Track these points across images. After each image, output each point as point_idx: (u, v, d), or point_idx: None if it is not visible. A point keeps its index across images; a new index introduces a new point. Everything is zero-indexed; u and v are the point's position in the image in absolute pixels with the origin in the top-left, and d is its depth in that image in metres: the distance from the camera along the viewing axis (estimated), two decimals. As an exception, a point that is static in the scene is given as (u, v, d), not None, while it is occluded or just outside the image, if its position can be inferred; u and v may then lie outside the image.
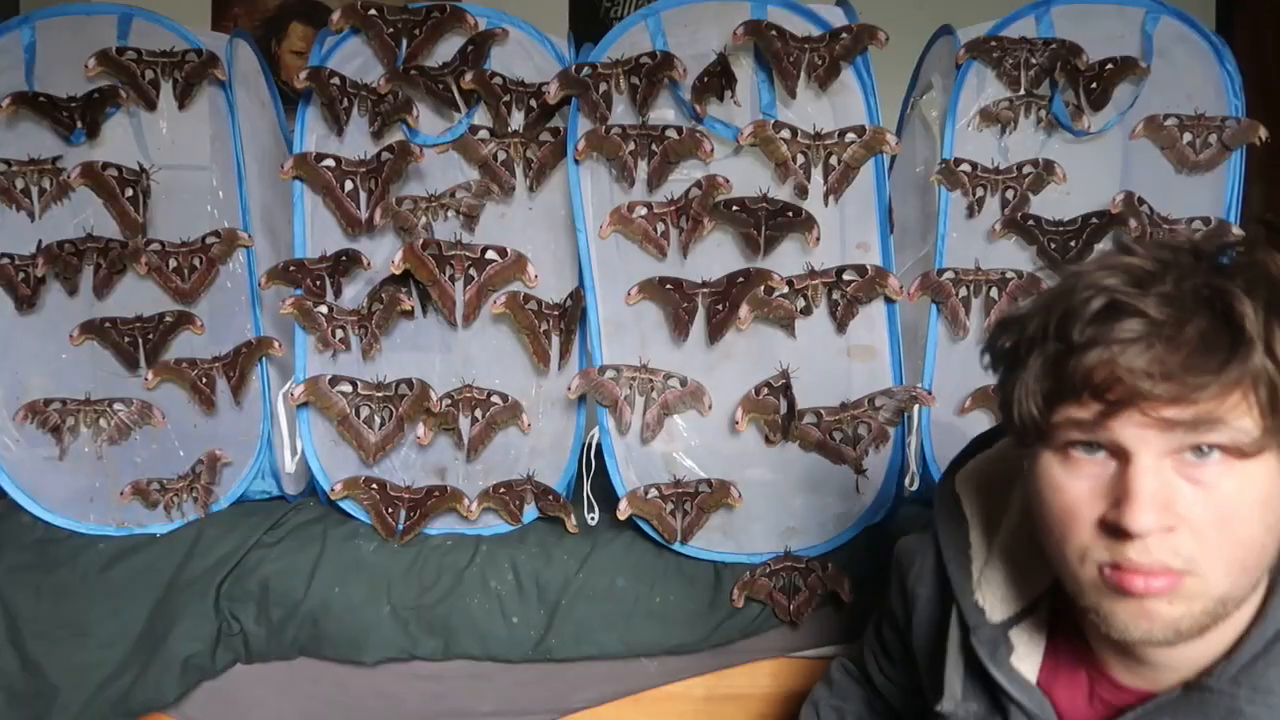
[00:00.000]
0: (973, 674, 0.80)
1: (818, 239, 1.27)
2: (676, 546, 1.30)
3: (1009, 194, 1.30)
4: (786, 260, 1.29)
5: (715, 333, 1.28)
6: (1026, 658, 0.77)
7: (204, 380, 1.34)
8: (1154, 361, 0.59)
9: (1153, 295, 0.60)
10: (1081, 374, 0.62)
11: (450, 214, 1.33)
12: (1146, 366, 0.59)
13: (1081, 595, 0.68)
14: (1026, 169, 1.30)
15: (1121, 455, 0.63)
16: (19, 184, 1.31)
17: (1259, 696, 0.65)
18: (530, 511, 1.34)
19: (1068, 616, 0.77)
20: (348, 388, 1.31)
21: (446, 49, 1.35)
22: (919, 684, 0.91)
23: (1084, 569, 0.66)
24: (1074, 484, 0.65)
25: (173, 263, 1.33)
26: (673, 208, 1.29)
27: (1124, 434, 0.62)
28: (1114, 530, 0.63)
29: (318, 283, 1.33)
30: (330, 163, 1.32)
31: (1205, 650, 0.68)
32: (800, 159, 1.28)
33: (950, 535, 0.85)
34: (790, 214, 1.27)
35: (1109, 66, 1.27)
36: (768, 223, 1.28)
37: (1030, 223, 1.30)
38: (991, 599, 0.80)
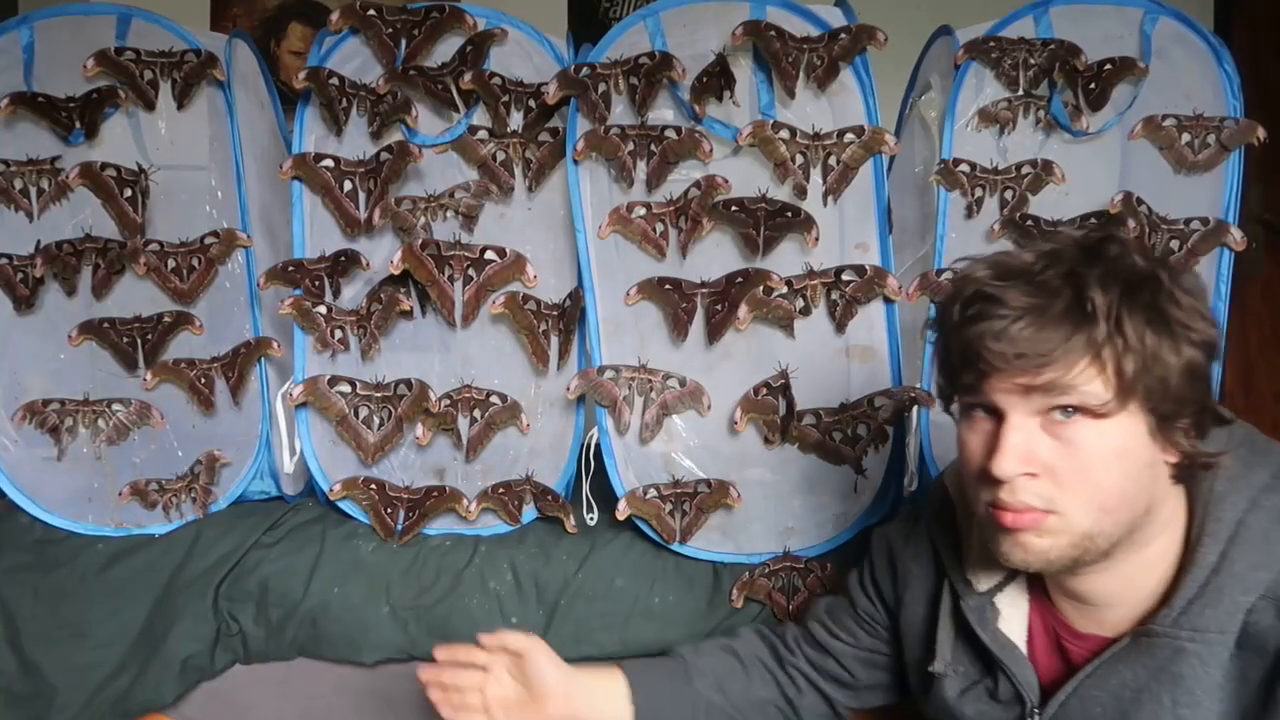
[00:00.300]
0: (964, 641, 0.92)
1: (816, 239, 1.27)
2: (675, 547, 1.30)
3: (1008, 194, 1.30)
4: (785, 260, 1.29)
5: (714, 333, 1.28)
6: (1012, 620, 0.89)
7: (203, 380, 1.34)
8: (1009, 339, 0.73)
9: (1015, 285, 0.74)
10: (960, 349, 0.77)
11: (449, 214, 1.33)
12: (1002, 343, 0.73)
13: (982, 530, 0.82)
14: (1025, 169, 1.30)
15: (999, 415, 0.77)
16: (17, 184, 1.31)
17: (1199, 635, 0.76)
18: (529, 512, 1.34)
19: (1037, 582, 0.89)
20: (346, 388, 1.31)
21: (445, 49, 1.35)
22: (884, 651, 1.05)
23: (979, 508, 0.80)
24: (972, 439, 0.80)
25: (171, 263, 1.33)
26: (672, 208, 1.29)
27: (996, 397, 0.76)
28: (990, 475, 0.76)
29: (316, 283, 1.33)
30: (329, 163, 1.32)
31: (1127, 593, 0.81)
32: (799, 159, 1.28)
33: (941, 523, 0.96)
34: (789, 214, 1.27)
35: (1107, 67, 1.28)
36: (767, 223, 1.28)
37: (1029, 223, 1.30)
38: (978, 572, 0.91)
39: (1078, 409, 0.73)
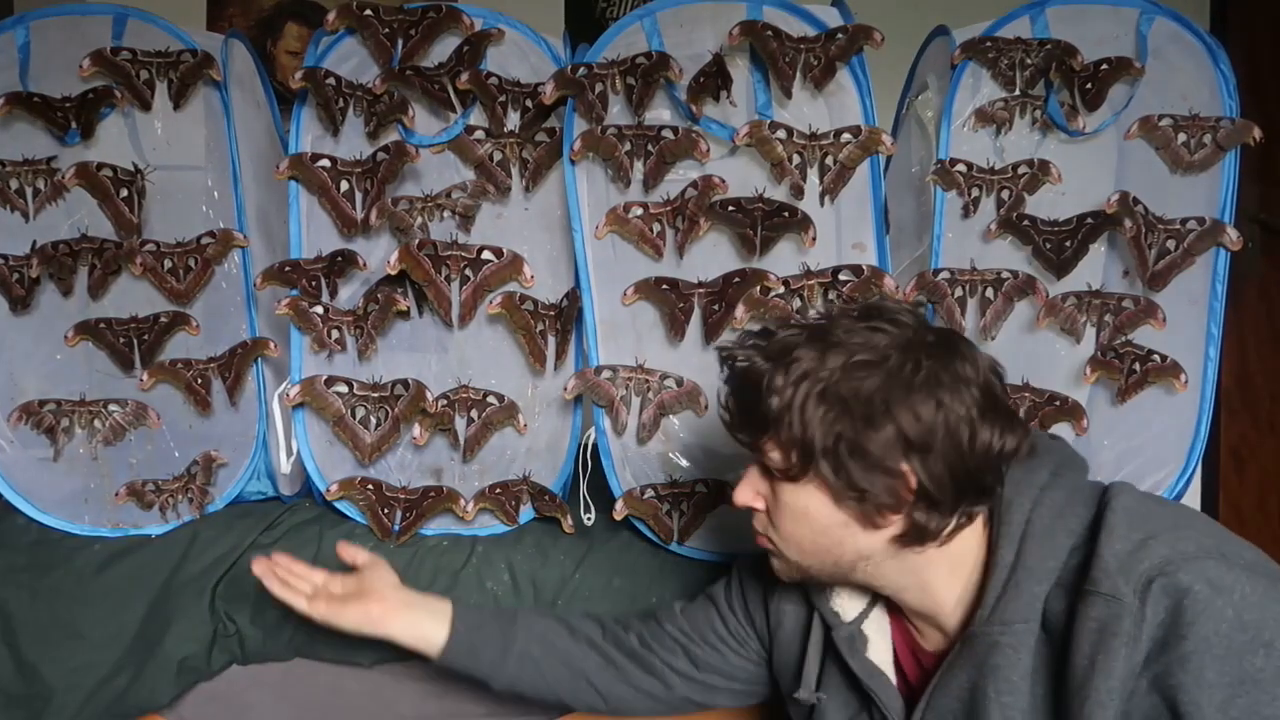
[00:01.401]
0: (840, 672, 0.98)
1: (814, 239, 1.27)
2: (673, 547, 1.30)
3: (1004, 194, 1.30)
4: (782, 260, 1.29)
5: (712, 333, 1.28)
6: (879, 646, 0.97)
7: (199, 381, 1.34)
8: (729, 417, 0.93)
9: (727, 363, 0.92)
10: None
11: (446, 214, 1.33)
12: (728, 420, 0.94)
13: None
14: (1022, 169, 1.30)
15: None
16: (13, 184, 1.31)
17: (1007, 628, 0.83)
18: (526, 512, 1.34)
19: (893, 606, 0.96)
20: (344, 388, 1.31)
21: (442, 49, 1.35)
22: (750, 671, 1.11)
23: None
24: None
25: (168, 263, 1.33)
26: (669, 208, 1.29)
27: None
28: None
29: (313, 283, 1.33)
30: (326, 163, 1.32)
31: (941, 606, 0.90)
32: (796, 159, 1.28)
33: None
34: (786, 214, 1.28)
35: (1104, 67, 1.28)
36: (764, 223, 1.28)
37: (1025, 223, 1.30)
38: (843, 603, 0.98)
39: (775, 470, 0.88)
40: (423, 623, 1.09)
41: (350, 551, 1.15)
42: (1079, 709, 0.78)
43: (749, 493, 0.93)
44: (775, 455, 0.86)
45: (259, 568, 1.11)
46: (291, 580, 1.10)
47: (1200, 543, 0.78)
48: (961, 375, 0.82)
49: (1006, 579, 0.84)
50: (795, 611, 1.04)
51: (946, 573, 0.89)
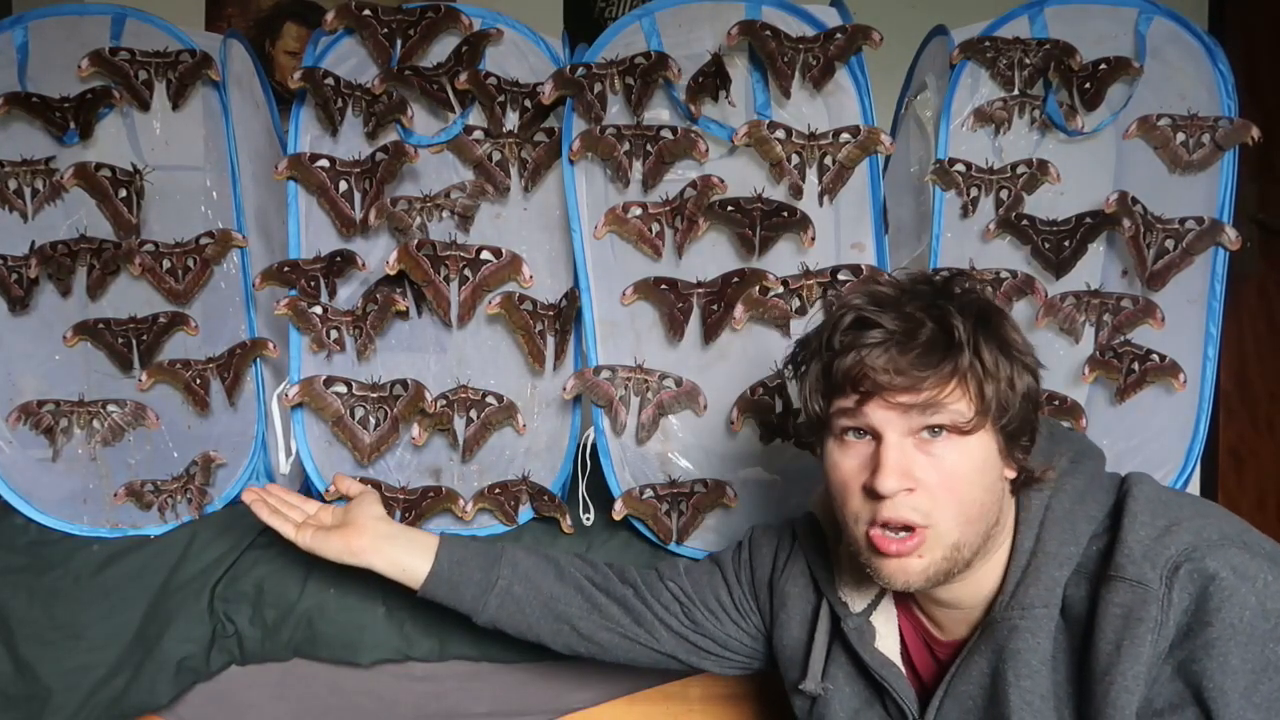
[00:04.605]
0: (850, 662, 0.98)
1: (813, 239, 1.27)
2: (672, 547, 1.30)
3: (1003, 194, 1.30)
4: (781, 260, 1.29)
5: (710, 333, 1.28)
6: (887, 637, 0.97)
7: (198, 381, 1.34)
8: (889, 360, 0.81)
9: (889, 312, 0.82)
10: (841, 372, 0.83)
11: (445, 214, 1.32)
12: (884, 365, 0.81)
13: (860, 554, 0.88)
14: (1020, 169, 1.30)
15: (876, 436, 0.84)
16: (12, 184, 1.31)
17: (1026, 612, 0.84)
18: (525, 512, 1.34)
19: (903, 597, 0.96)
20: (342, 388, 1.31)
21: (441, 49, 1.35)
22: (745, 643, 1.10)
23: (858, 530, 0.86)
24: (846, 461, 0.87)
25: (166, 263, 1.33)
26: (668, 208, 1.29)
27: (875, 418, 0.83)
28: (872, 493, 0.83)
29: (312, 283, 1.33)
30: (325, 163, 1.32)
31: (979, 593, 0.89)
32: (795, 159, 1.28)
33: (814, 549, 1.03)
34: (785, 214, 1.28)
35: (1102, 66, 1.28)
36: (763, 223, 1.28)
37: (1024, 222, 1.30)
38: (851, 594, 0.98)
39: (946, 427, 0.82)
40: (403, 556, 1.10)
41: (345, 483, 1.20)
42: (1104, 695, 0.78)
43: (900, 472, 0.83)
44: (960, 406, 0.81)
45: (249, 495, 1.14)
46: (282, 508, 1.13)
47: (1223, 530, 0.79)
48: None
49: (1026, 564, 0.85)
50: (801, 596, 1.03)
51: (1003, 550, 0.89)
